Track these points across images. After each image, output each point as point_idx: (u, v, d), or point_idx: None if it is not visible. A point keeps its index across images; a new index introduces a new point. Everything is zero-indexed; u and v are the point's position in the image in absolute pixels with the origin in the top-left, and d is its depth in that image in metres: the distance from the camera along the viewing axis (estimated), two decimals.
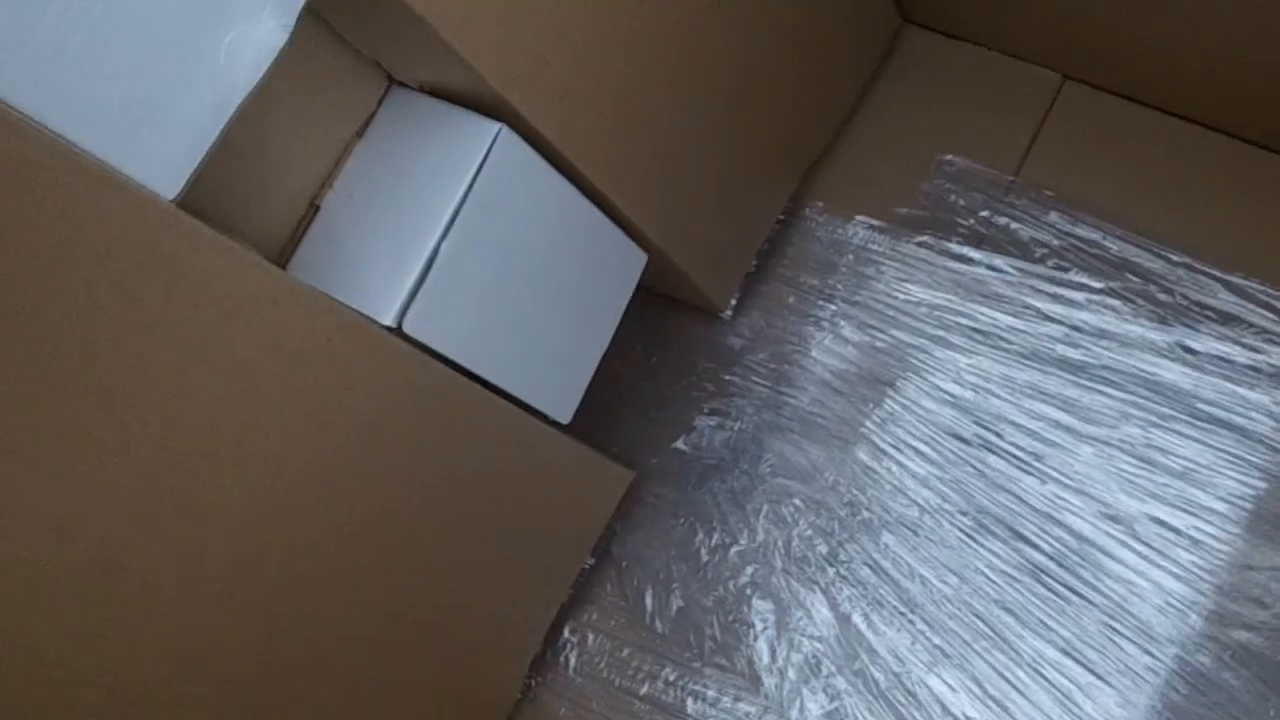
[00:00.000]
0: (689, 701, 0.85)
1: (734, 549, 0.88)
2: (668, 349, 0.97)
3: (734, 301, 0.96)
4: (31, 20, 0.49)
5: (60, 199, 0.50)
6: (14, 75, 0.49)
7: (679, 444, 0.95)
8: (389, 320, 0.69)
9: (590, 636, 0.90)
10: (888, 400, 0.88)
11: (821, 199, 0.98)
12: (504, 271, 0.74)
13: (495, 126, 0.70)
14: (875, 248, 0.94)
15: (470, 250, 0.71)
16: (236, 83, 0.56)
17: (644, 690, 0.87)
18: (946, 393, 0.86)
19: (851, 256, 0.95)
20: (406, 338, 0.70)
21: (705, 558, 0.89)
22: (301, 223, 0.74)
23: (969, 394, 0.86)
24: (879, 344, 0.90)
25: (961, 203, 0.92)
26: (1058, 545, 0.81)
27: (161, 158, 0.55)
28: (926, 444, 0.85)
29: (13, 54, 0.49)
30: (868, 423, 0.88)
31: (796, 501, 0.88)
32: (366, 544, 0.72)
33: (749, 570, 0.87)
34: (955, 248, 0.91)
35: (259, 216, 0.72)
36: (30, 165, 0.49)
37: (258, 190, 0.71)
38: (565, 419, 0.83)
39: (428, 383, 0.72)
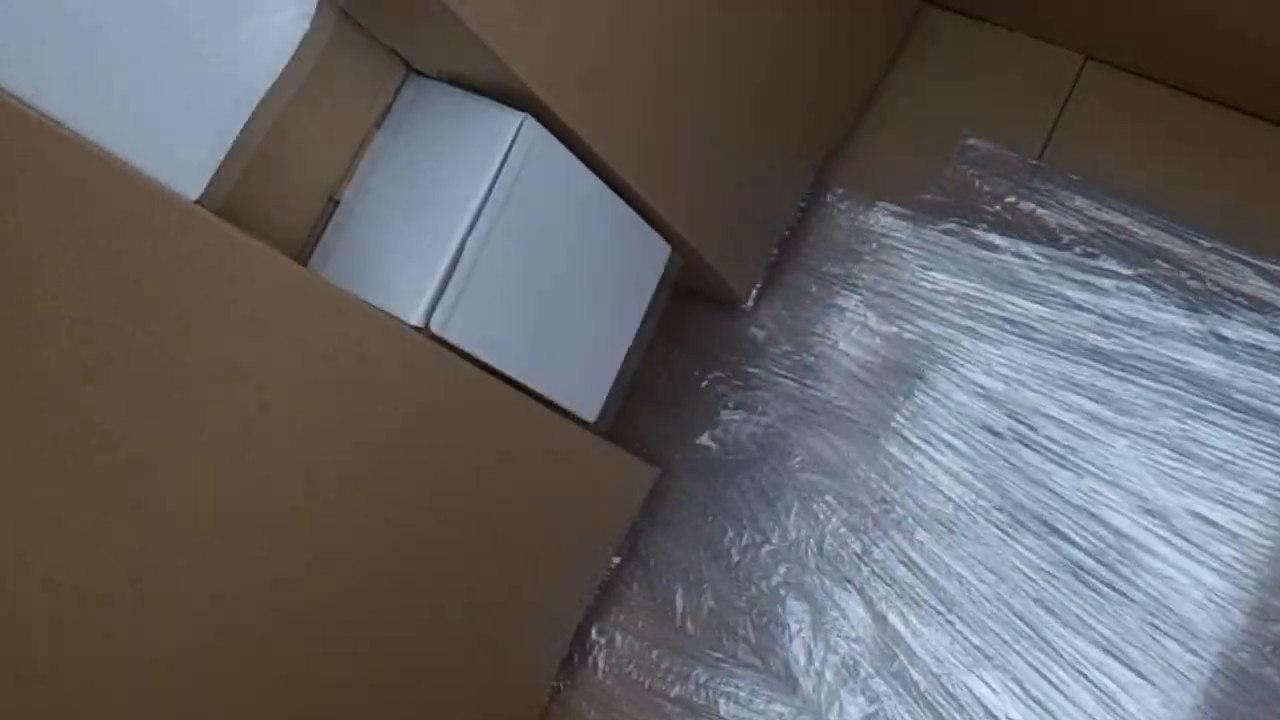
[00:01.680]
0: (721, 703, 0.83)
1: (765, 547, 0.86)
2: (688, 342, 0.95)
3: (755, 291, 0.94)
4: (49, 17, 0.46)
5: (81, 198, 0.47)
6: (32, 72, 0.47)
7: (704, 439, 0.93)
8: (416, 319, 0.66)
9: (618, 637, 0.88)
10: (917, 393, 0.86)
11: (842, 185, 0.96)
12: (529, 266, 0.72)
13: (519, 117, 0.68)
14: (899, 235, 0.92)
15: (495, 246, 0.68)
16: (256, 75, 0.53)
17: (675, 692, 0.85)
18: (977, 384, 0.84)
19: (874, 244, 0.93)
20: (434, 336, 0.67)
21: (736, 557, 0.87)
22: (320, 218, 0.71)
23: (1000, 386, 0.84)
24: (906, 334, 0.88)
25: (985, 188, 0.90)
26: (1095, 541, 0.79)
27: (182, 155, 0.52)
28: (958, 438, 0.84)
29: (31, 50, 0.46)
30: (897, 416, 0.86)
31: (828, 498, 0.86)
32: (392, 547, 0.70)
33: (781, 569, 0.85)
34: (980, 234, 0.89)
35: (276, 211, 0.69)
36: (51, 165, 0.46)
37: (274, 185, 0.68)
38: (592, 417, 0.81)
39: (454, 381, 0.70)
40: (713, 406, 0.93)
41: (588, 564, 0.88)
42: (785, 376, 0.92)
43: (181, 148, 0.52)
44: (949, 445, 0.83)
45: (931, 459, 0.84)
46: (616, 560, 0.90)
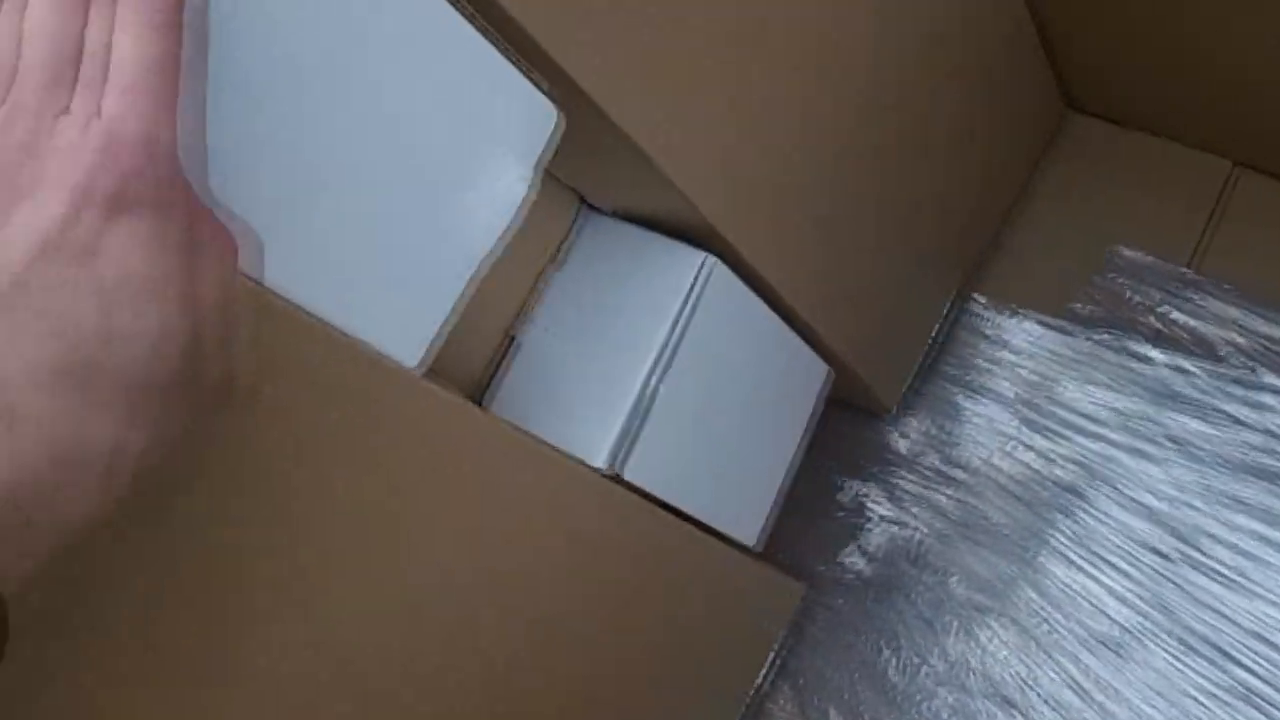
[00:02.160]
0: None
1: (924, 669, 0.85)
2: (832, 451, 0.95)
3: (900, 401, 0.93)
4: (273, 198, 0.47)
5: (305, 370, 0.48)
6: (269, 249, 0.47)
7: (851, 553, 0.92)
8: (600, 463, 0.66)
9: None
10: (1077, 511, 0.85)
11: (987, 294, 0.95)
12: (703, 401, 0.71)
13: (702, 257, 0.68)
14: (1048, 346, 0.91)
15: (675, 385, 0.68)
16: (477, 243, 0.53)
17: None
18: (1140, 504, 0.83)
19: (1023, 355, 0.92)
20: (616, 478, 0.67)
21: (894, 678, 0.86)
22: (498, 355, 0.71)
23: (1164, 506, 0.83)
24: (1061, 450, 0.87)
25: (1137, 298, 0.89)
26: (1269, 666, 0.78)
27: (403, 327, 0.53)
28: (1123, 559, 0.82)
29: (264, 227, 0.47)
30: (1058, 535, 0.85)
31: (989, 619, 0.85)
32: (545, 664, 0.70)
33: (942, 692, 0.84)
34: (1135, 346, 0.88)
35: (455, 349, 0.69)
36: (283, 344, 0.47)
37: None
38: (752, 542, 0.81)
39: (630, 519, 0.70)
40: (860, 519, 0.93)
41: (733, 682, 0.87)
42: (935, 490, 0.91)
43: (400, 319, 0.52)
44: (1114, 567, 0.82)
45: (1096, 580, 0.82)
46: (765, 679, 0.89)
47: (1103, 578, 0.82)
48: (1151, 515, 0.83)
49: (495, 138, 0.52)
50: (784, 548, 0.94)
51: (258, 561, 0.49)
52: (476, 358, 0.71)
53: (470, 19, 0.49)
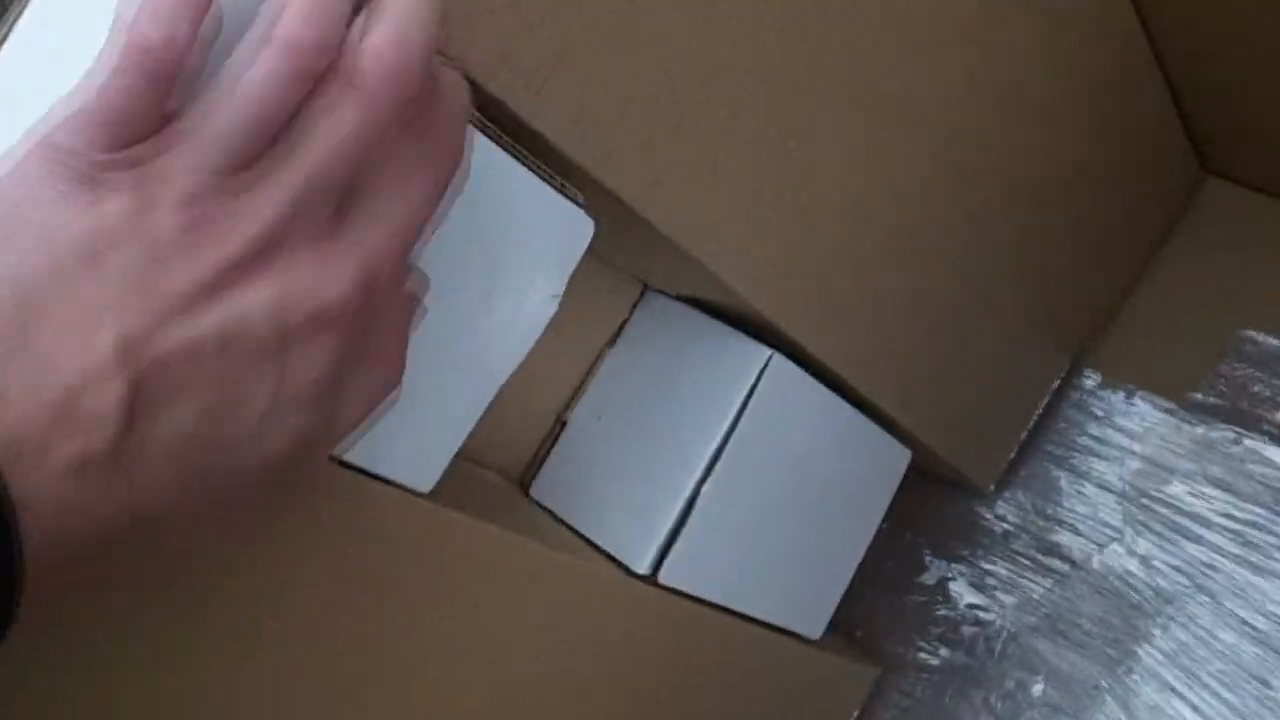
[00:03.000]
0: None
1: None
2: (918, 525, 0.89)
3: (997, 478, 0.87)
4: None
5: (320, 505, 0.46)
6: None
7: (931, 638, 0.87)
8: (642, 569, 0.63)
9: None
10: (1176, 625, 0.78)
11: (1100, 369, 0.88)
12: (762, 499, 0.67)
13: (765, 353, 0.63)
14: (1164, 435, 0.84)
15: (730, 486, 0.64)
16: (497, 367, 0.50)
17: None
18: (1250, 626, 0.76)
19: (1135, 440, 0.85)
20: (660, 584, 0.64)
21: None
22: (547, 439, 0.68)
23: (1274, 629, 0.75)
24: (1165, 554, 0.80)
25: (1267, 393, 0.81)
26: None
27: (416, 453, 0.50)
28: (1223, 684, 0.75)
29: None
30: (1153, 650, 0.78)
31: None
32: None
33: None
34: (1261, 448, 0.80)
35: (502, 430, 0.66)
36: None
37: (501, 403, 0.66)
38: (815, 635, 0.76)
39: (675, 623, 0.66)
40: (943, 601, 0.87)
41: None
42: (1028, 580, 0.85)
43: (413, 446, 0.49)
44: (1211, 692, 0.75)
45: (1191, 705, 0.76)
46: None
47: (1198, 702, 0.76)
48: (1260, 638, 0.75)
49: (524, 255, 0.49)
50: (860, 623, 0.89)
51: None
52: (525, 439, 0.68)
53: (496, 139, 0.46)
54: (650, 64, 0.49)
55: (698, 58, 0.50)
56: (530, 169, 0.47)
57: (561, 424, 0.68)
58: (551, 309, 0.51)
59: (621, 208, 0.50)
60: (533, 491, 0.67)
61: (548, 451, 0.68)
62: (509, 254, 0.48)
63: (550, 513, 0.66)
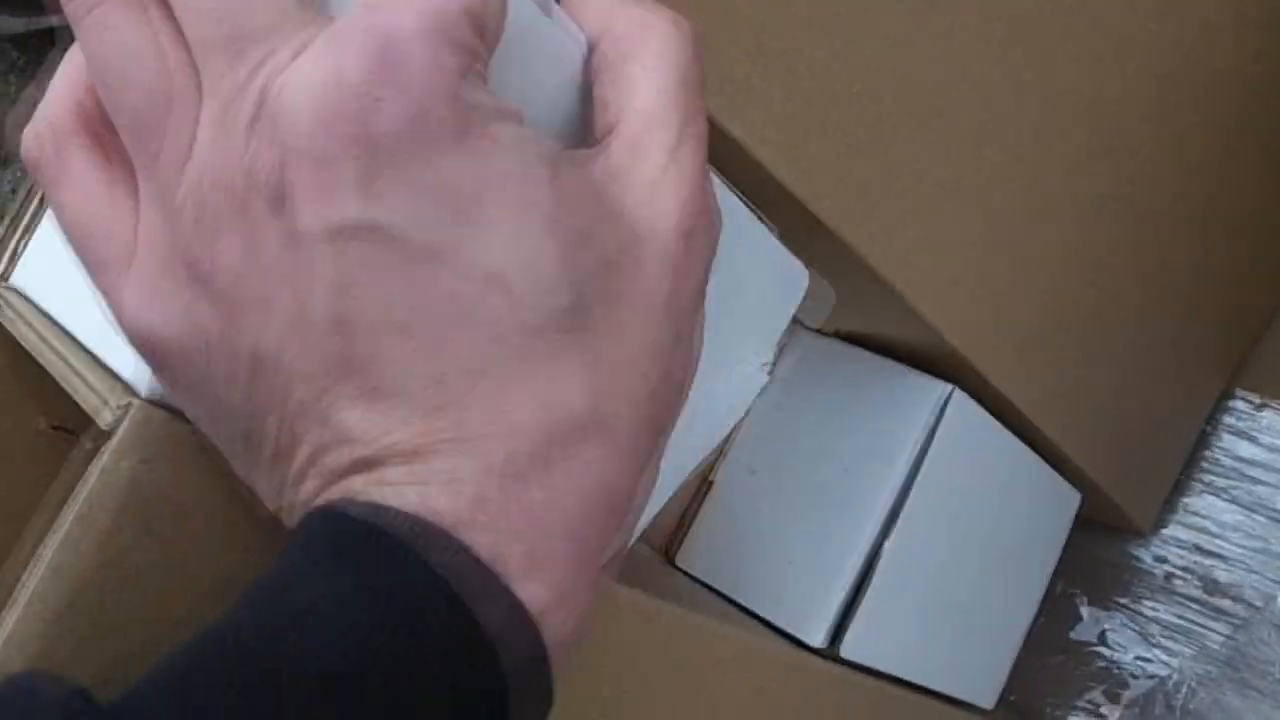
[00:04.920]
0: None
1: None
2: (1072, 575, 0.81)
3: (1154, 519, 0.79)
4: None
5: None
6: None
7: (1097, 697, 0.78)
8: (818, 642, 0.55)
9: None
10: None
11: (1258, 390, 0.80)
12: (942, 555, 0.59)
13: (942, 389, 0.56)
14: None
15: (913, 541, 0.56)
16: (697, 445, 0.42)
17: None
18: None
19: None
20: (834, 657, 0.56)
21: None
22: (694, 502, 0.61)
23: None
24: None
25: None
26: None
27: None
28: None
29: None
30: None
31: None
32: None
33: None
34: None
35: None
36: None
37: None
38: (989, 705, 0.68)
39: (851, 698, 0.58)
40: (1105, 657, 0.79)
41: None
42: (1197, 625, 0.77)
43: None
44: None
45: None
46: None
47: None
48: None
49: (734, 317, 0.41)
50: (1014, 688, 0.80)
51: None
52: (669, 504, 0.60)
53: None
54: (852, 59, 0.42)
55: (903, 62, 0.43)
56: (743, 202, 0.40)
57: (709, 484, 0.60)
58: (762, 380, 0.43)
59: (816, 227, 0.43)
60: (679, 560, 0.60)
61: (694, 515, 0.60)
62: (716, 313, 0.40)
63: (700, 582, 0.59)
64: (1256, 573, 0.76)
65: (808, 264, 0.47)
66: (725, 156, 0.40)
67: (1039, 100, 0.52)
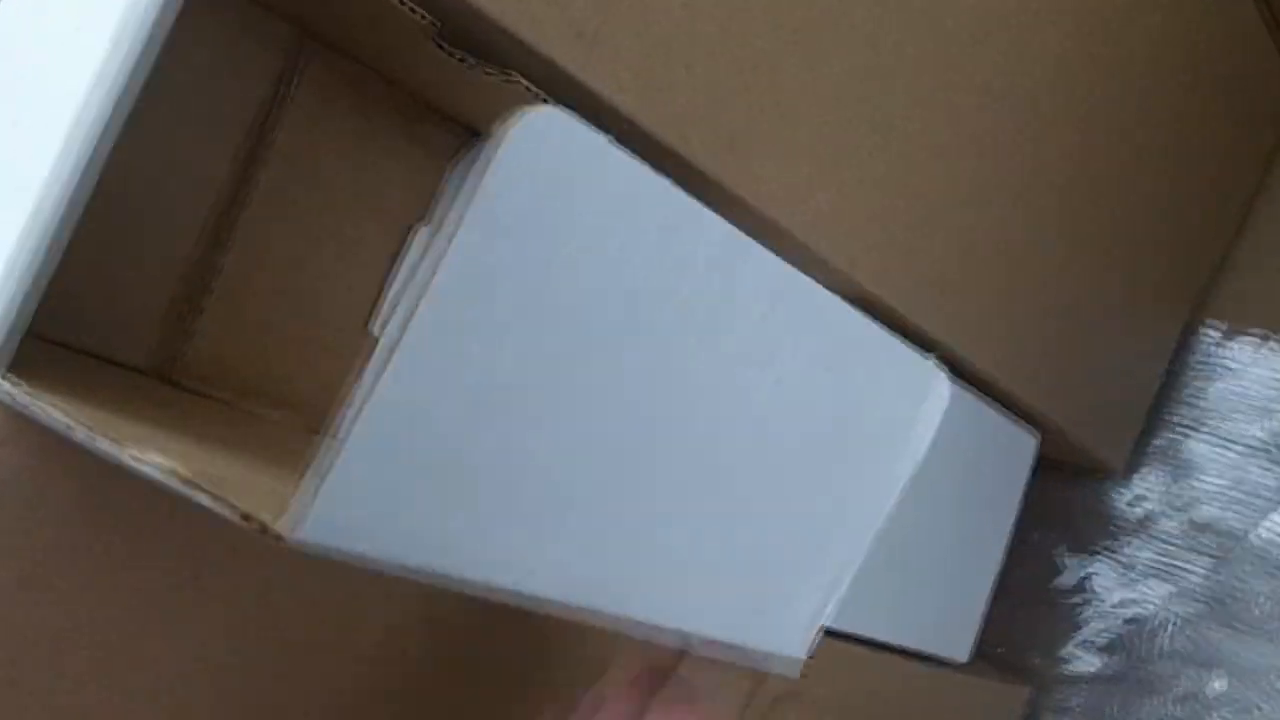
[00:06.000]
0: None
1: None
2: (1049, 523, 0.80)
3: (1126, 459, 0.78)
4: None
5: None
6: None
7: (1081, 645, 0.77)
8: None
9: None
10: None
11: (1222, 317, 0.79)
12: (910, 518, 0.58)
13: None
14: None
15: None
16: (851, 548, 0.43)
17: None
18: None
19: (1273, 389, 0.76)
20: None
21: None
22: None
23: None
24: None
25: None
26: None
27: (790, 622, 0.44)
28: None
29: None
30: None
31: None
32: None
33: None
34: None
35: None
36: None
37: None
38: (964, 658, 0.67)
39: (830, 667, 0.57)
40: (1088, 603, 0.78)
41: None
42: (1179, 563, 0.75)
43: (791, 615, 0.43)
44: None
45: None
46: None
47: None
48: None
49: (884, 425, 0.41)
50: (1000, 641, 0.79)
51: None
52: None
53: None
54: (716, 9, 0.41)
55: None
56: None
57: None
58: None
59: (690, 173, 0.42)
60: None
61: None
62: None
63: None
64: (1236, 504, 0.75)
65: None
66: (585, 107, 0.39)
67: (930, 29, 0.51)
